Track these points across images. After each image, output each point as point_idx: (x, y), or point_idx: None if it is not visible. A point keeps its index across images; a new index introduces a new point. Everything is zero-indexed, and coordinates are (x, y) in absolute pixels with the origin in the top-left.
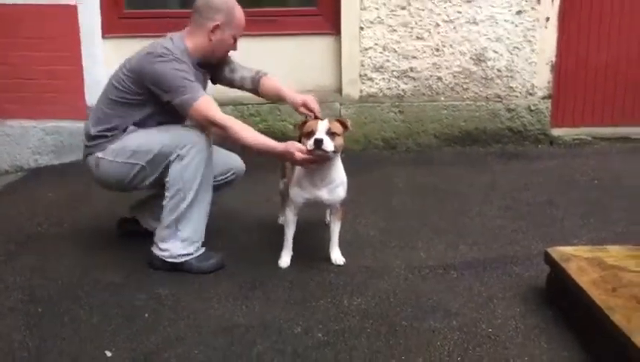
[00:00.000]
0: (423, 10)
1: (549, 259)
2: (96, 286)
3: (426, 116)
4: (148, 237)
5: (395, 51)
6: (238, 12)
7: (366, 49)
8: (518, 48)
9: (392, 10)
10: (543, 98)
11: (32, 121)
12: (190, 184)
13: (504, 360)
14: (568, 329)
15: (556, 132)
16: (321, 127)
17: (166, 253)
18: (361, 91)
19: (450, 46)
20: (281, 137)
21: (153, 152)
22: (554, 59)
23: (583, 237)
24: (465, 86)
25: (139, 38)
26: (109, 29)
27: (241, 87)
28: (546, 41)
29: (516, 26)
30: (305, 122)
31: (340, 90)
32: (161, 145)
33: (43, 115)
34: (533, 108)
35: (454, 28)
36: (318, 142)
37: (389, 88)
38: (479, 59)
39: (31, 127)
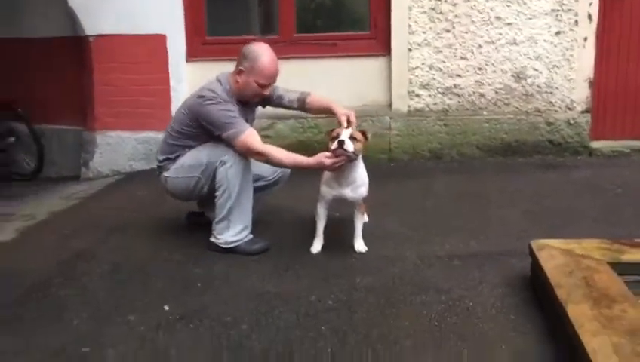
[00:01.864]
0: (467, 32)
1: (530, 250)
2: (165, 263)
3: (469, 129)
4: (210, 227)
5: (441, 70)
6: (265, 62)
7: (414, 68)
8: (557, 66)
9: (438, 33)
10: (582, 112)
11: (127, 132)
12: (234, 183)
13: (474, 326)
14: (538, 306)
15: (595, 144)
16: (345, 133)
17: (221, 241)
18: (409, 106)
19: (492, 65)
20: None
21: (203, 164)
22: (592, 76)
23: (583, 236)
24: (506, 101)
25: (218, 61)
26: (193, 54)
27: (289, 108)
28: (584, 59)
29: (555, 45)
30: (333, 130)
31: (390, 105)
32: (207, 156)
33: (136, 126)
34: (572, 122)
35: (496, 48)
36: (341, 143)
37: (435, 103)
38: (519, 76)
39: (126, 137)
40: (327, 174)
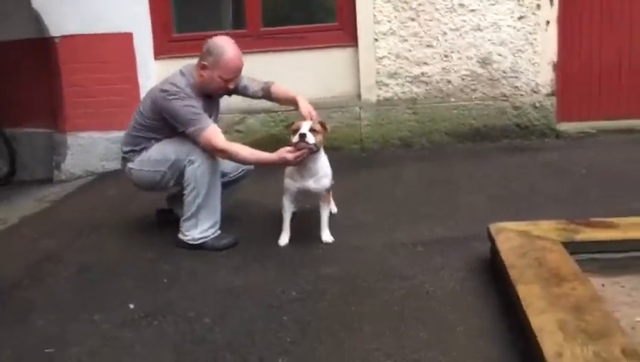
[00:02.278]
0: (431, 20)
1: (488, 233)
2: (133, 261)
3: (438, 116)
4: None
5: (407, 59)
6: (229, 56)
7: (381, 58)
8: (521, 51)
9: (403, 22)
10: (547, 95)
11: (98, 132)
12: (202, 182)
13: (433, 309)
14: (496, 288)
15: (562, 126)
16: (305, 125)
17: (189, 238)
18: (378, 96)
19: (458, 51)
20: None
21: (171, 159)
22: (555, 59)
23: (548, 218)
24: (473, 87)
25: (186, 58)
26: (161, 52)
27: (253, 97)
28: (547, 42)
29: (518, 30)
30: (293, 123)
31: (359, 96)
32: (175, 153)
33: (107, 126)
34: (537, 105)
35: (460, 35)
36: (302, 136)
37: (403, 92)
38: (485, 62)
39: (97, 137)
40: (290, 167)
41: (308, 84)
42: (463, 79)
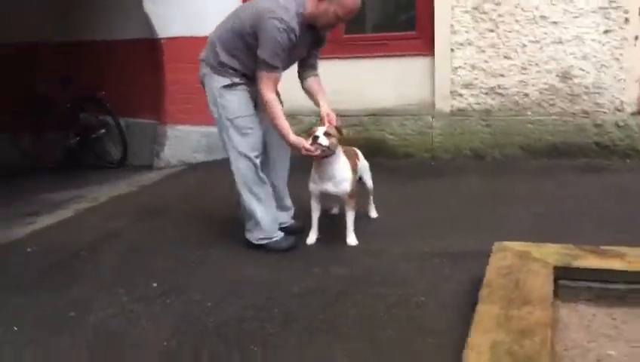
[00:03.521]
0: (510, 32)
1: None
2: (175, 245)
3: (512, 129)
4: None
5: (484, 70)
6: None
7: (456, 68)
8: (605, 66)
9: (481, 33)
10: (633, 114)
11: (192, 126)
12: (240, 186)
13: (414, 319)
14: None
15: None
16: (320, 130)
17: (251, 237)
18: (451, 106)
19: (537, 64)
20: (381, 145)
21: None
22: None
23: (574, 241)
24: (551, 102)
25: None
26: None
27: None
28: (635, 58)
29: (603, 44)
30: (312, 128)
31: (433, 105)
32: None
33: (199, 121)
34: (621, 124)
35: (540, 47)
36: (315, 138)
37: (478, 103)
38: (565, 76)
39: (191, 131)
40: (313, 171)
41: (385, 90)
42: (540, 93)
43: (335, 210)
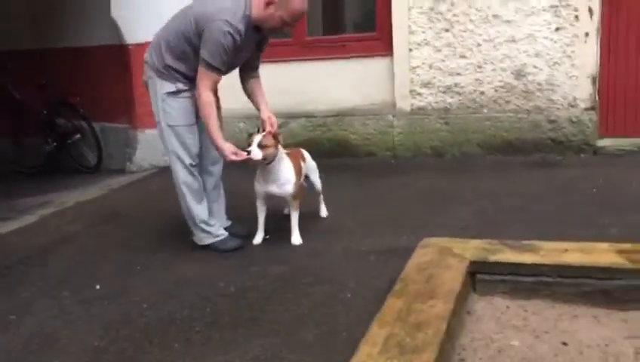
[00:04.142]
0: (465, 31)
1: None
2: (126, 250)
3: (470, 127)
4: None
5: (441, 69)
6: (296, 1)
7: (415, 67)
8: (558, 63)
9: (437, 33)
10: (586, 109)
11: None
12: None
13: (336, 315)
14: None
15: (602, 142)
16: (255, 140)
17: (196, 238)
18: (411, 105)
19: (492, 63)
20: (344, 145)
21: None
22: (595, 72)
23: (513, 236)
24: (507, 99)
25: None
26: None
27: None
28: (587, 55)
29: (555, 42)
30: (252, 134)
31: (394, 104)
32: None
33: None
34: (574, 119)
35: (495, 46)
36: (248, 152)
37: (437, 102)
38: (519, 74)
39: None
40: (258, 173)
41: (347, 91)
42: (496, 90)
43: (287, 210)
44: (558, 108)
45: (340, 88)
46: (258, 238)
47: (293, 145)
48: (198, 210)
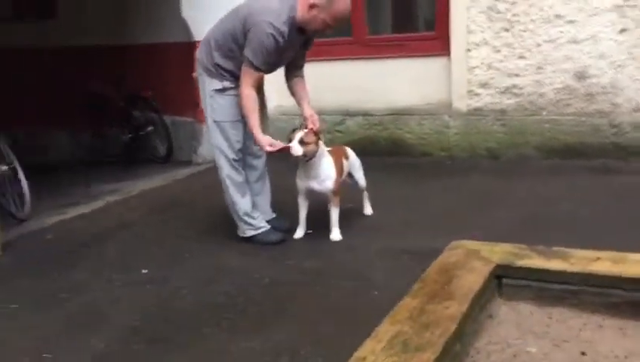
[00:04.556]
0: (525, 31)
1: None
2: (177, 237)
3: (528, 129)
4: None
5: (499, 69)
6: (339, 5)
7: (473, 67)
8: (622, 66)
9: (496, 33)
10: None
11: None
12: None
13: (356, 310)
14: None
15: None
16: (297, 136)
17: (239, 231)
18: (468, 105)
19: (552, 64)
20: (401, 144)
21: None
22: None
23: (556, 243)
24: (567, 102)
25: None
26: None
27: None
28: None
29: (620, 44)
30: (294, 130)
31: (450, 105)
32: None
33: None
34: (639, 124)
35: (556, 47)
36: (290, 148)
37: (493, 103)
38: (581, 76)
39: None
40: (299, 169)
41: (404, 90)
42: (556, 93)
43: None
44: (622, 113)
45: (397, 87)
46: (299, 233)
47: (349, 144)
48: (242, 202)
